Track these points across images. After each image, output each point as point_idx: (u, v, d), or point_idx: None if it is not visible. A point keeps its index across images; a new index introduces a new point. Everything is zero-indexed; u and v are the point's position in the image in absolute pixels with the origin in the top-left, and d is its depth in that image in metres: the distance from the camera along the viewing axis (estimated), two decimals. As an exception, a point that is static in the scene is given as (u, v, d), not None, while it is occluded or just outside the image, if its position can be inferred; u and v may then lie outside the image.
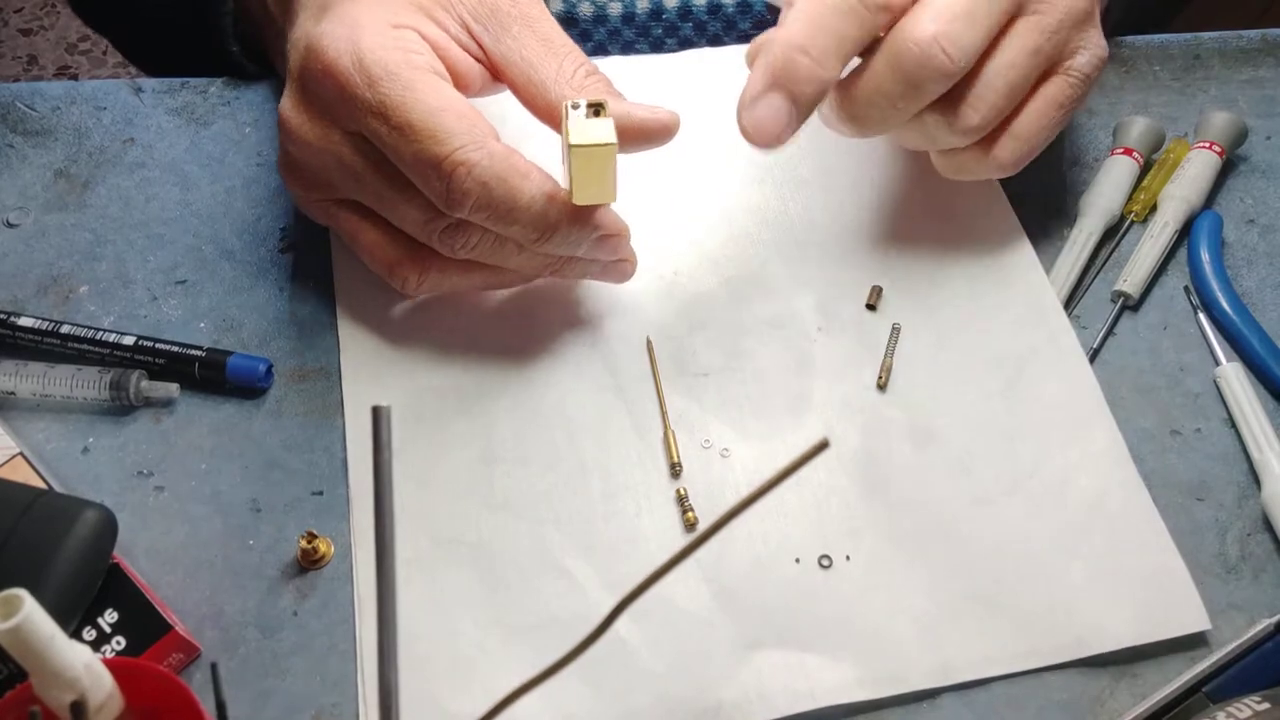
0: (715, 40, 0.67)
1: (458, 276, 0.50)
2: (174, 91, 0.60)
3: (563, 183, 0.46)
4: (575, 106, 0.45)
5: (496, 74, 0.48)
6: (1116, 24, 0.54)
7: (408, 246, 0.49)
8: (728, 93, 0.59)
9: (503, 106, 0.49)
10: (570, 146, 0.44)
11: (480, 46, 0.48)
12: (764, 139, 0.46)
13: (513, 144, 0.45)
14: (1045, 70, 0.49)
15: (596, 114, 0.45)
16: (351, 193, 0.48)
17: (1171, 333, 0.54)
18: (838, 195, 0.57)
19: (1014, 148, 0.50)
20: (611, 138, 0.44)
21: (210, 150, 0.58)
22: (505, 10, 0.47)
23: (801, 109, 0.46)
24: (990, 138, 0.50)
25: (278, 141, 0.50)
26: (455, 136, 0.43)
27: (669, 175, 0.57)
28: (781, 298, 0.53)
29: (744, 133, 0.47)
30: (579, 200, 0.45)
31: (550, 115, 0.47)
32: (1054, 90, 0.49)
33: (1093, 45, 0.50)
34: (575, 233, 0.46)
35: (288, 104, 0.48)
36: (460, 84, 0.47)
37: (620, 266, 0.50)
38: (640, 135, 0.47)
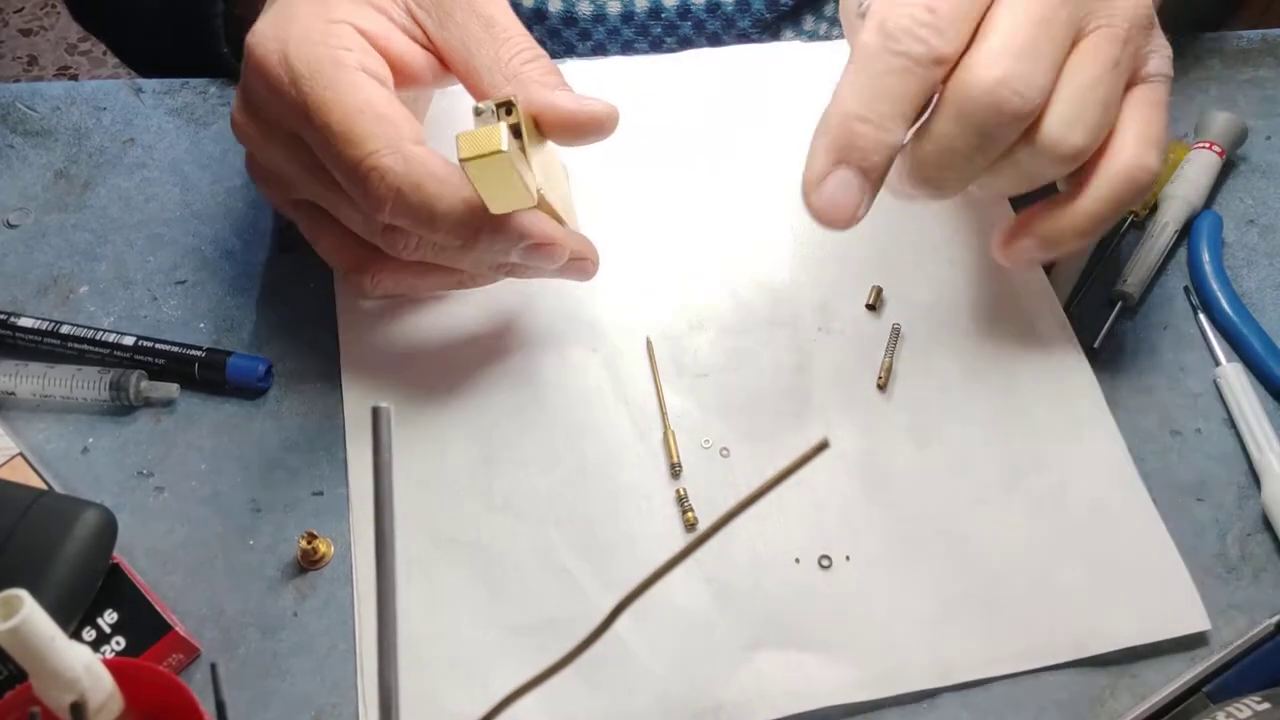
0: (714, 39, 0.67)
1: (413, 279, 0.48)
2: (174, 92, 0.60)
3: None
4: (479, 112, 0.42)
5: (440, 60, 0.47)
6: (1173, 19, 0.49)
7: (362, 247, 0.47)
8: (728, 93, 0.60)
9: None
10: (460, 161, 0.41)
11: (425, 33, 0.46)
12: (839, 219, 0.43)
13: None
14: (1128, 83, 0.45)
15: (508, 112, 0.42)
16: (304, 193, 0.47)
17: (1171, 333, 0.54)
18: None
19: (1144, 168, 0.45)
20: (499, 145, 0.40)
21: (210, 150, 0.58)
22: None
23: (873, 181, 0.43)
24: (1082, 182, 0.45)
25: None
26: (370, 140, 0.42)
27: (669, 175, 0.57)
28: (781, 298, 0.53)
29: (816, 216, 0.44)
30: (494, 209, 0.43)
31: None
32: (1149, 96, 0.45)
33: (1161, 46, 0.46)
34: (500, 241, 0.44)
35: (236, 105, 0.47)
36: (408, 77, 0.46)
37: (577, 265, 0.48)
38: (568, 129, 0.44)
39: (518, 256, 0.46)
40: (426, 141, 0.44)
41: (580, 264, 0.48)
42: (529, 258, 0.46)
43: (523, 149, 0.43)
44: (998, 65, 0.41)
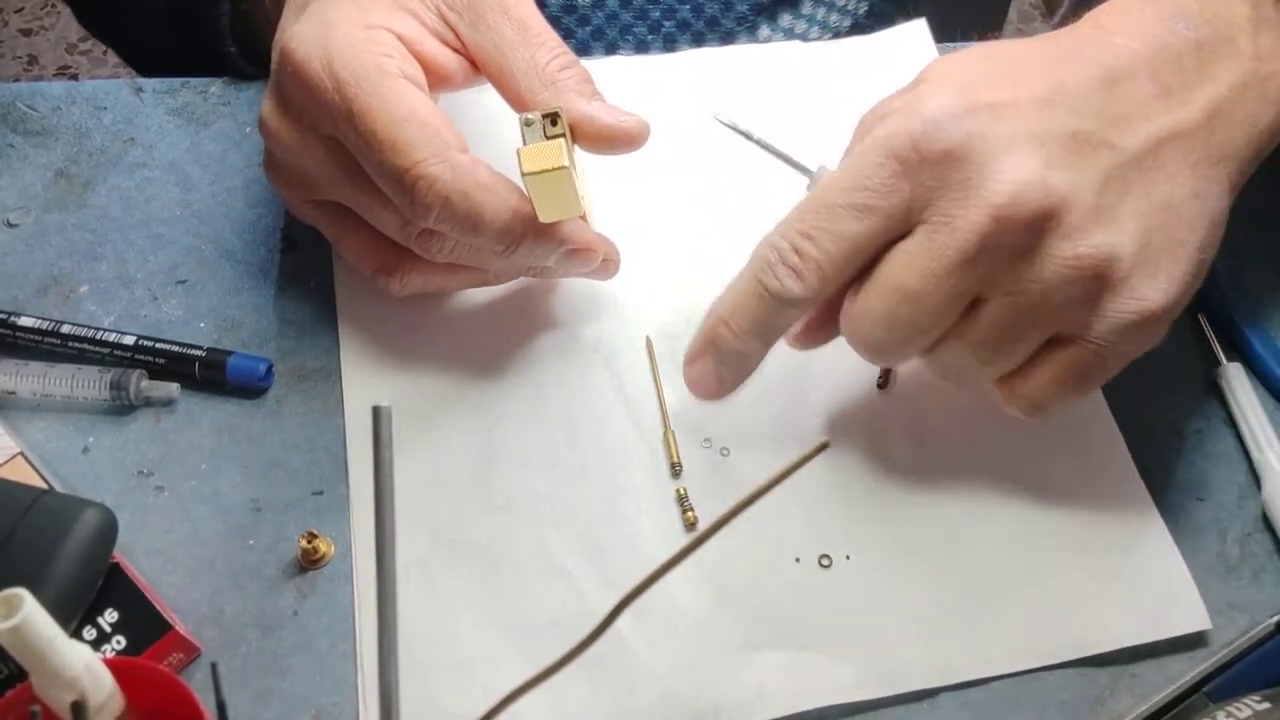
0: (712, 23, 0.67)
1: (440, 278, 0.49)
2: (174, 91, 0.60)
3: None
4: (529, 123, 0.44)
5: (473, 62, 0.47)
6: None
7: (390, 249, 0.48)
8: (728, 94, 0.60)
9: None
10: (523, 175, 0.43)
11: (458, 36, 0.47)
12: (701, 395, 0.46)
13: (504, 138, 0.45)
14: (1054, 338, 0.41)
15: (553, 124, 0.44)
16: (332, 195, 0.48)
17: (1171, 333, 0.54)
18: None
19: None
20: (562, 162, 0.43)
21: (210, 150, 0.58)
22: None
23: (731, 375, 0.45)
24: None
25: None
26: (417, 149, 0.43)
27: (669, 175, 0.57)
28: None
29: (686, 386, 0.46)
30: (544, 218, 0.45)
31: (523, 108, 0.46)
32: (1061, 356, 0.42)
33: (1121, 312, 0.40)
34: (541, 246, 0.46)
35: (267, 106, 0.47)
36: (440, 79, 0.47)
37: (603, 267, 0.50)
38: (602, 141, 0.46)
39: (555, 261, 0.47)
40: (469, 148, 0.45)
41: (606, 265, 0.50)
42: (566, 262, 0.48)
43: (573, 161, 0.44)
44: (861, 326, 0.42)
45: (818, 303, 0.42)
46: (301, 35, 0.45)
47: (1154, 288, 0.40)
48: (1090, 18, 0.44)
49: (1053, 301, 0.39)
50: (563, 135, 0.44)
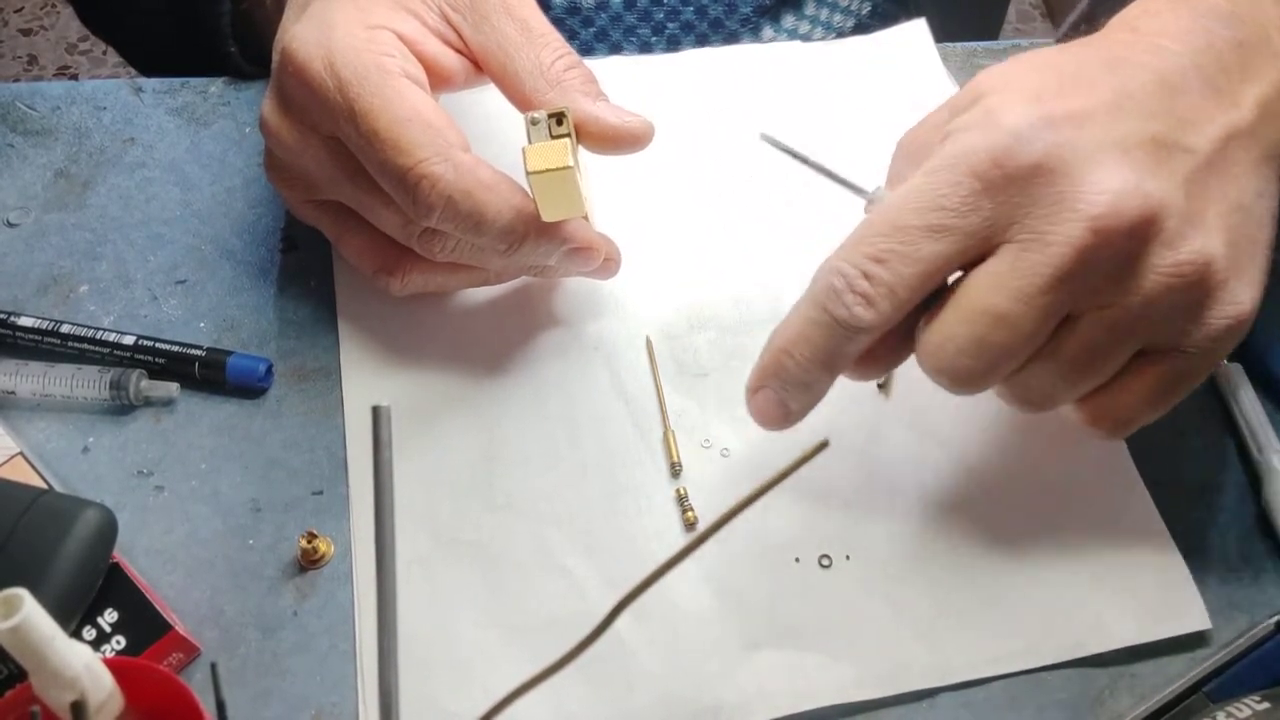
0: (716, 25, 0.67)
1: (441, 277, 0.49)
2: (174, 91, 0.60)
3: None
4: (535, 121, 0.44)
5: (475, 62, 0.47)
6: None
7: (391, 248, 0.48)
8: (729, 94, 0.60)
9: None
10: (527, 174, 0.43)
11: (460, 36, 0.47)
12: (767, 426, 0.44)
13: (505, 139, 0.45)
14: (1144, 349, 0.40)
15: (559, 123, 0.44)
16: (334, 195, 0.48)
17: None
18: (839, 195, 0.57)
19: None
20: (566, 161, 0.43)
21: (210, 150, 0.58)
22: None
23: (797, 406, 0.43)
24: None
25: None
26: (419, 148, 0.43)
27: (669, 175, 0.57)
28: (782, 298, 0.53)
29: (751, 417, 0.44)
30: (547, 217, 0.45)
31: (528, 108, 0.46)
32: (1152, 368, 0.40)
33: (1213, 320, 0.39)
34: (544, 245, 0.46)
35: (268, 106, 0.47)
36: (441, 79, 0.47)
37: (604, 266, 0.50)
38: (607, 141, 0.46)
39: (557, 260, 0.47)
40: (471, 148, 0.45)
41: (607, 264, 0.50)
42: (568, 261, 0.48)
43: (577, 161, 0.44)
44: (944, 354, 0.39)
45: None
46: (303, 35, 0.45)
47: (1244, 289, 0.39)
48: (1121, 22, 0.43)
49: (1153, 313, 0.38)
50: (568, 135, 0.44)
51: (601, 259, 0.49)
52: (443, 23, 0.47)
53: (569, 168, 0.43)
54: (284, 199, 0.51)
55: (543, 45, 0.46)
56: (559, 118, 0.44)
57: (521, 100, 0.46)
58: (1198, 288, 0.38)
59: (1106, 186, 0.37)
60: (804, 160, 0.46)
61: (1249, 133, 0.40)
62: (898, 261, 0.39)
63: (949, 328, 0.39)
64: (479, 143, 0.46)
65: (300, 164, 0.47)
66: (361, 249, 0.49)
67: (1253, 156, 0.40)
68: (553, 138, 0.44)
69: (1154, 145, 0.38)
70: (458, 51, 0.47)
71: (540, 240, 0.46)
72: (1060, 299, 0.37)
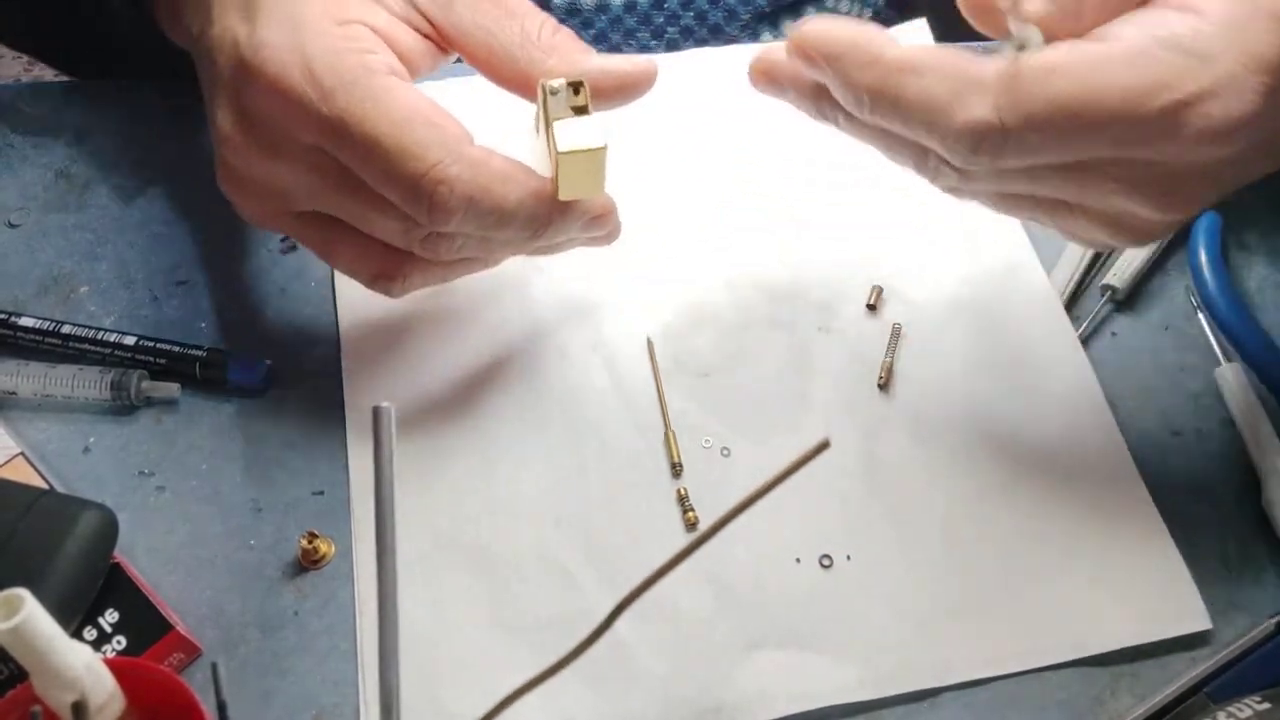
0: (716, 30, 0.67)
1: (443, 272, 0.47)
2: (174, 92, 0.60)
3: (538, 167, 0.44)
4: (554, 91, 0.42)
5: (451, 46, 0.44)
6: None
7: (387, 253, 0.45)
8: (729, 93, 0.60)
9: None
10: (559, 154, 0.41)
11: (429, 20, 0.44)
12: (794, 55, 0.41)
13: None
14: None
15: (576, 92, 0.42)
16: (314, 206, 0.44)
17: (1172, 333, 0.54)
18: (839, 195, 0.57)
19: None
20: (602, 140, 0.41)
21: (211, 150, 0.58)
22: None
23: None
24: None
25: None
26: (428, 151, 0.40)
27: (669, 175, 0.57)
28: (781, 298, 0.53)
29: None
30: (565, 196, 0.43)
31: (521, 84, 0.44)
32: None
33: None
34: (566, 222, 0.44)
35: (226, 120, 0.42)
36: (413, 69, 0.44)
37: (612, 230, 0.48)
38: (624, 89, 0.44)
39: (577, 232, 0.45)
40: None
41: (616, 229, 0.48)
42: (588, 230, 0.46)
43: None
44: (1043, 94, 0.37)
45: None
46: (271, 41, 0.41)
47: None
48: None
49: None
50: (586, 105, 0.42)
51: (615, 224, 0.47)
52: (408, 7, 0.44)
53: (605, 147, 0.41)
54: (244, 213, 0.47)
55: (523, 15, 0.44)
56: (576, 87, 0.42)
57: (514, 76, 0.44)
58: None
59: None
60: None
61: None
62: None
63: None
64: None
65: (270, 178, 0.43)
66: (354, 259, 0.45)
67: None
68: (572, 109, 0.42)
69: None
70: (424, 37, 0.44)
71: (563, 219, 0.44)
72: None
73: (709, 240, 0.55)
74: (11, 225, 0.55)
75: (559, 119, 0.42)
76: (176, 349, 0.50)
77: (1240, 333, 0.52)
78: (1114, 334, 0.53)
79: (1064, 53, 0.37)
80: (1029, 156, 0.38)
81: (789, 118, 0.59)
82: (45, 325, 0.50)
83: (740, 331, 0.52)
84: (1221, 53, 0.36)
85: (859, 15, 0.72)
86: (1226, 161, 0.38)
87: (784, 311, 0.53)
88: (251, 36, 0.41)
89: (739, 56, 0.61)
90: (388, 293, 0.46)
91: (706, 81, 0.60)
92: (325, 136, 0.41)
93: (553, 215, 0.43)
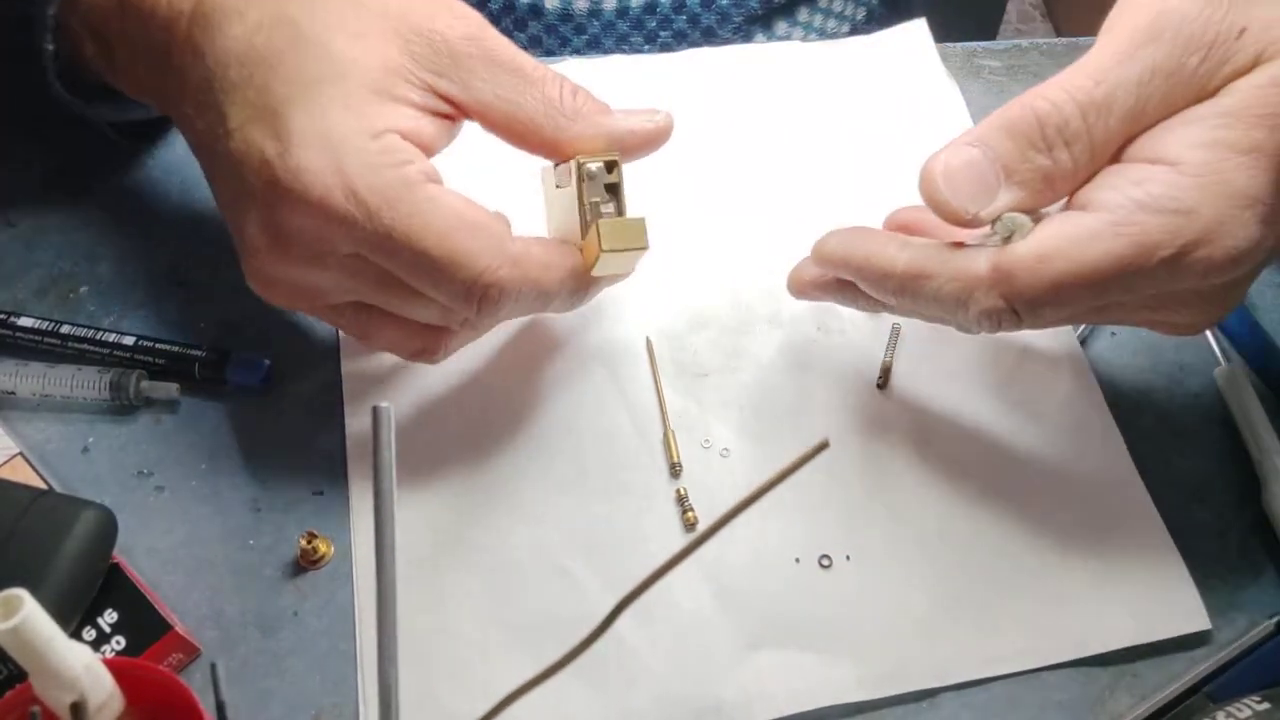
0: (708, 33, 0.67)
1: (475, 334, 0.48)
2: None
3: (562, 222, 0.46)
4: (591, 176, 0.43)
5: (474, 120, 0.44)
6: None
7: (426, 331, 0.45)
8: (728, 93, 0.60)
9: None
10: (603, 251, 0.43)
11: (449, 100, 0.43)
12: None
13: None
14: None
15: (610, 170, 0.44)
16: (353, 299, 0.44)
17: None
18: (839, 196, 0.57)
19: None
20: (645, 241, 0.43)
21: (210, 150, 0.58)
22: (463, 52, 0.43)
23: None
24: None
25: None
26: (476, 258, 0.41)
27: (669, 176, 0.57)
28: (782, 298, 0.53)
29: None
30: (598, 273, 0.45)
31: (549, 150, 0.44)
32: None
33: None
34: (600, 288, 0.47)
35: (258, 233, 0.42)
36: (432, 154, 0.44)
37: None
38: (648, 146, 0.46)
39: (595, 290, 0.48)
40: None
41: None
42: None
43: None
44: (1041, 281, 0.40)
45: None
46: (309, 166, 0.40)
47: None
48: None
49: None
50: (620, 183, 0.44)
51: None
52: (428, 95, 0.43)
53: (647, 248, 0.43)
54: (287, 307, 0.47)
55: (543, 82, 0.44)
56: (610, 165, 0.44)
57: (541, 142, 0.44)
58: None
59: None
60: None
61: None
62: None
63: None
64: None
65: (307, 282, 0.43)
66: (394, 342, 0.46)
67: None
68: (605, 187, 0.44)
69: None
70: (442, 119, 0.44)
71: (596, 287, 0.47)
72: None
73: (708, 240, 0.55)
74: (11, 225, 0.55)
75: (598, 204, 0.44)
76: (176, 349, 0.50)
77: (1240, 333, 0.53)
78: (1113, 334, 0.54)
79: (1051, 235, 0.40)
80: (1048, 321, 0.41)
81: (788, 118, 0.59)
82: (44, 325, 0.50)
83: (740, 331, 0.52)
84: (1202, 203, 0.38)
85: (852, 15, 0.72)
86: (1247, 275, 0.41)
87: (784, 311, 0.53)
88: (286, 157, 0.40)
89: (734, 57, 0.61)
90: (429, 363, 0.47)
91: (703, 82, 0.60)
92: (370, 250, 0.41)
93: (590, 287, 0.46)
